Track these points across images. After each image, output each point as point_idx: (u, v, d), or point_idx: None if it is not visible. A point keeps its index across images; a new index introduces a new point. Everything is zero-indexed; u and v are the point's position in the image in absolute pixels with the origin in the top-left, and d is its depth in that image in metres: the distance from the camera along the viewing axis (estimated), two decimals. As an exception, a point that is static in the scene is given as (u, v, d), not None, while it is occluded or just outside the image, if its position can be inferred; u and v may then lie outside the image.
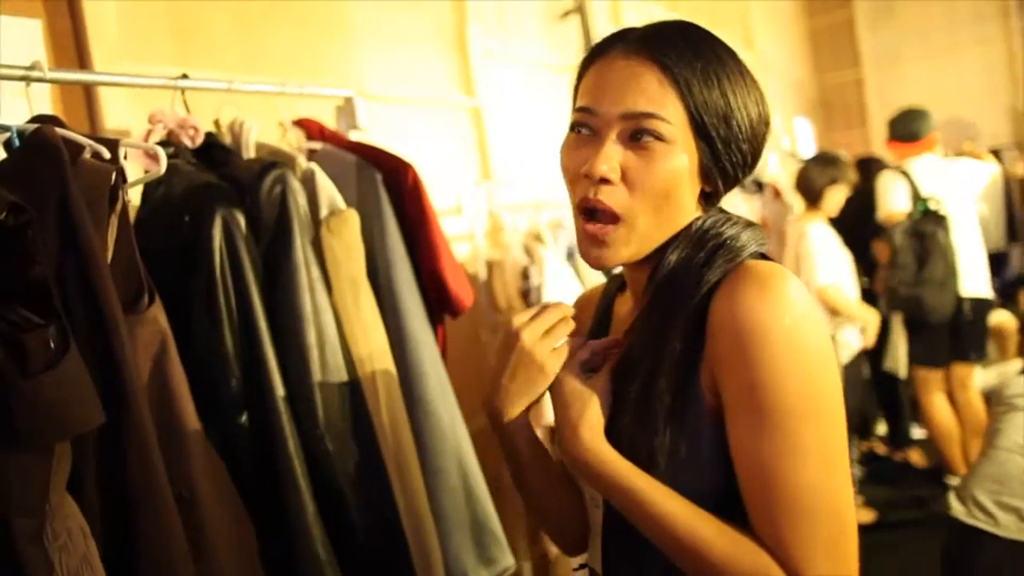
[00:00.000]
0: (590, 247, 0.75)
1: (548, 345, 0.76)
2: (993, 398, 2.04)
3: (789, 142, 4.73)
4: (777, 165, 4.06)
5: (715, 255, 0.72)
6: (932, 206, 3.00)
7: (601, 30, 2.89)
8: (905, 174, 3.08)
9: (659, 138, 0.71)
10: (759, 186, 3.64)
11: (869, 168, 3.66)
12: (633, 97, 0.71)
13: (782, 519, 0.64)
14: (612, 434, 0.72)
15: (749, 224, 0.77)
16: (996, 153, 5.39)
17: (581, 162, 0.73)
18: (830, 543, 0.64)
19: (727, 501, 0.68)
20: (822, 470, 0.64)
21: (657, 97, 0.71)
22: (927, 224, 2.96)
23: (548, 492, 0.86)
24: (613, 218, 0.72)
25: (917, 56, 6.72)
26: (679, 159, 0.72)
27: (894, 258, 2.98)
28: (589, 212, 0.73)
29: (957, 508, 1.69)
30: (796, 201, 3.11)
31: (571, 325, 0.79)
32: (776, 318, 0.65)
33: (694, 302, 0.70)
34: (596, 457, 0.71)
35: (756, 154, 0.77)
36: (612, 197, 0.72)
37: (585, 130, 0.74)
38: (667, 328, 0.71)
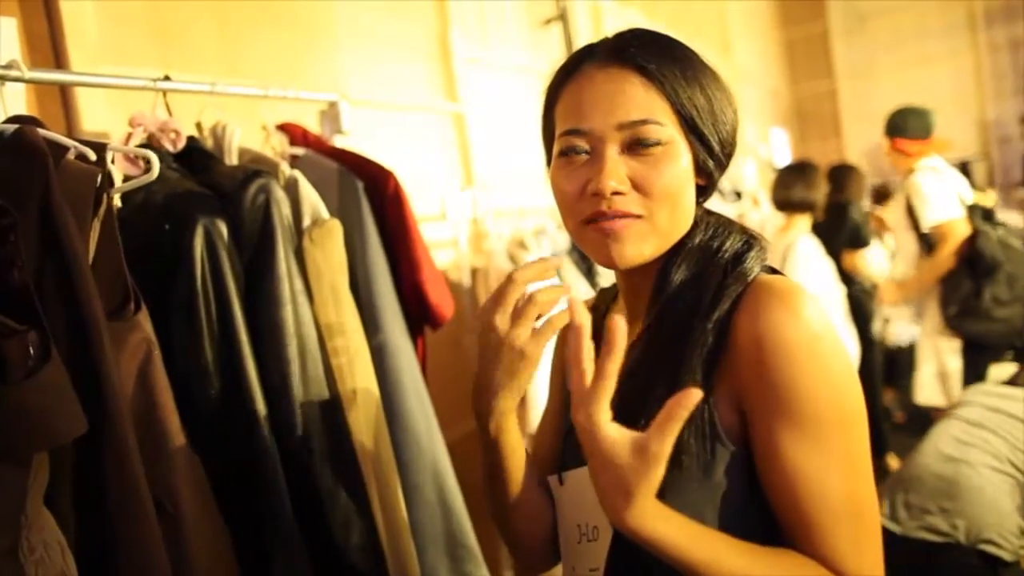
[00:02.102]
0: (610, 244, 0.72)
1: (524, 328, 0.71)
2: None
3: (766, 151, 4.79)
4: (754, 174, 4.10)
5: (727, 275, 0.72)
6: (985, 208, 2.72)
7: (583, 37, 2.90)
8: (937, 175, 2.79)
9: (658, 142, 0.71)
10: (738, 195, 3.68)
11: (842, 177, 3.69)
12: (623, 107, 0.71)
13: (830, 527, 0.65)
14: None
15: (743, 230, 0.78)
16: (964, 165, 5.50)
17: (582, 182, 0.72)
18: (873, 545, 0.66)
19: (736, 514, 0.68)
20: (858, 476, 0.66)
21: (646, 103, 0.71)
22: (997, 231, 2.67)
23: (520, 507, 0.82)
24: (635, 217, 0.72)
25: (889, 67, 6.85)
26: (682, 158, 0.73)
27: (985, 273, 2.60)
28: (598, 218, 0.72)
29: None
30: (774, 210, 3.12)
31: (550, 294, 0.72)
32: (802, 331, 0.66)
33: (712, 321, 0.70)
34: (662, 530, 0.62)
35: (735, 146, 0.78)
36: (628, 205, 0.72)
37: (576, 151, 0.73)
38: (682, 343, 0.71)
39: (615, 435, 0.61)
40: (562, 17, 2.90)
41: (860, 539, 0.66)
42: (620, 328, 0.60)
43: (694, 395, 0.58)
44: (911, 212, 2.83)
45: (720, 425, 0.69)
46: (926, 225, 2.74)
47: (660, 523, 0.62)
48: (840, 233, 3.40)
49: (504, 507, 0.83)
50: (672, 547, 0.62)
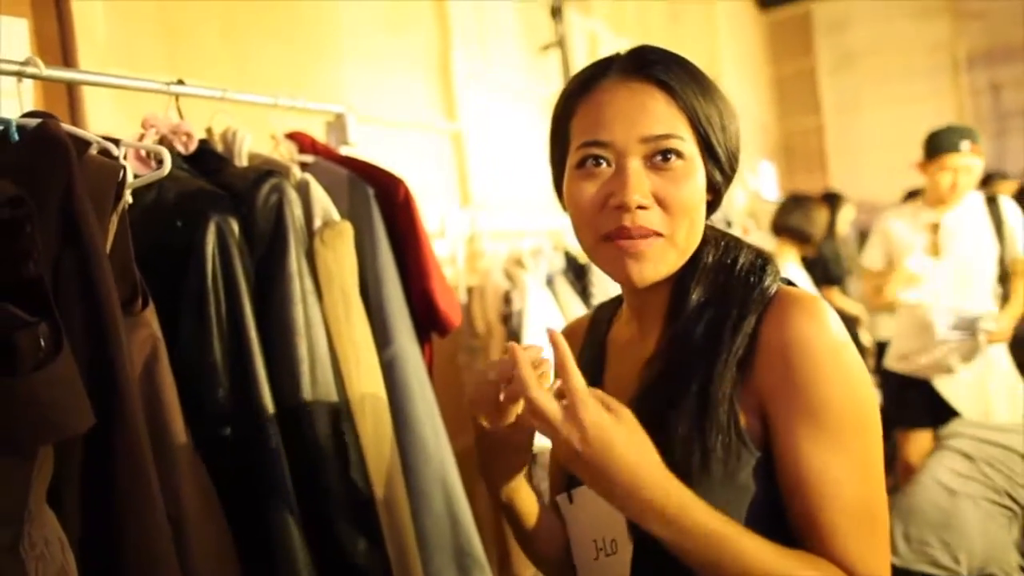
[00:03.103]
0: (630, 264, 0.73)
1: (506, 421, 0.74)
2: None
3: (755, 183, 4.86)
4: (744, 204, 4.16)
5: (750, 288, 0.74)
6: None
7: (579, 63, 2.95)
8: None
9: (679, 155, 0.72)
10: (728, 224, 3.72)
11: (832, 204, 3.75)
12: (647, 120, 0.72)
13: (847, 529, 0.66)
14: (664, 443, 0.69)
15: (750, 246, 0.80)
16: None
17: (604, 194, 0.73)
18: (885, 551, 0.68)
19: (760, 518, 0.68)
20: (874, 481, 0.68)
21: (668, 117, 0.73)
22: None
23: (540, 533, 0.85)
24: (656, 235, 0.73)
25: (874, 105, 7.01)
26: (699, 174, 0.74)
27: None
28: (620, 235, 0.73)
29: None
30: (770, 235, 3.15)
31: (526, 373, 0.65)
32: (827, 339, 0.68)
33: (742, 332, 0.71)
34: (679, 500, 0.64)
35: (739, 162, 0.80)
36: (651, 220, 0.72)
37: (595, 162, 0.73)
38: (712, 353, 0.72)
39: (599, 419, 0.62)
40: (560, 43, 2.95)
41: (875, 543, 0.67)
42: (558, 339, 0.65)
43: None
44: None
45: (747, 432, 0.70)
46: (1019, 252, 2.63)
47: (681, 494, 0.63)
48: (814, 269, 3.42)
49: (524, 537, 0.85)
50: (692, 520, 0.63)
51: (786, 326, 0.69)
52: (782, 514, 0.69)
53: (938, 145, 2.53)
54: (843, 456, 0.67)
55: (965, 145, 2.50)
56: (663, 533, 0.63)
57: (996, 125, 6.71)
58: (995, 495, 1.70)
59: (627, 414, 0.64)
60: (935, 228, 2.64)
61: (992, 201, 2.67)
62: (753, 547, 0.64)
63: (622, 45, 0.81)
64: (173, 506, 0.82)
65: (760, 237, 3.56)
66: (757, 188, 4.84)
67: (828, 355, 0.68)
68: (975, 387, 2.58)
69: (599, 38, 3.45)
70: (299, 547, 0.91)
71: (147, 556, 0.74)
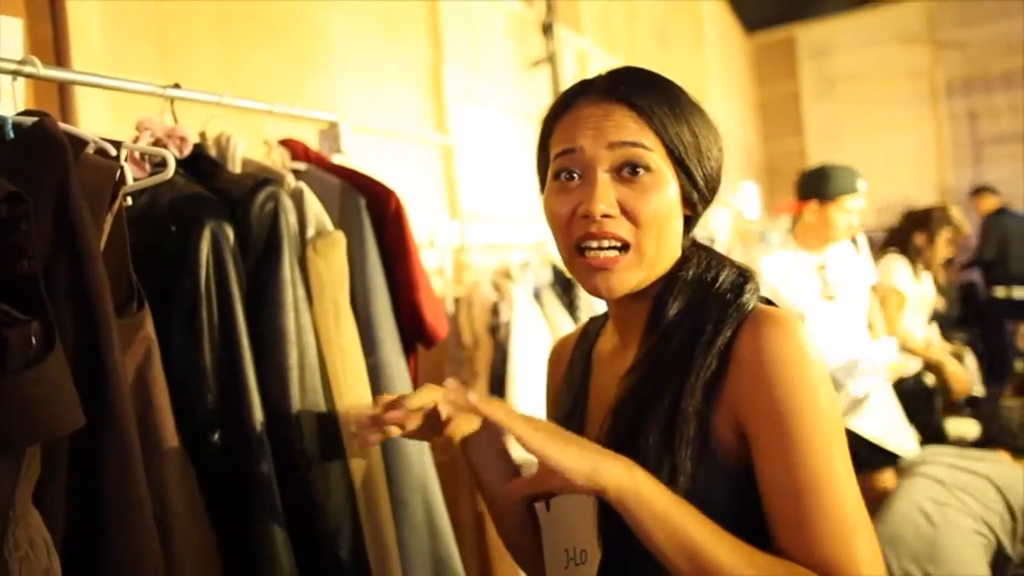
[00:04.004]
0: (598, 275, 0.76)
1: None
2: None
3: (738, 203, 4.92)
4: (727, 224, 4.21)
5: (727, 305, 0.76)
6: None
7: (569, 79, 2.98)
8: None
9: (647, 168, 0.75)
10: (711, 242, 3.76)
11: None
12: (614, 129, 0.75)
13: (829, 538, 0.67)
14: (635, 454, 0.72)
15: (733, 263, 0.82)
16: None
17: (573, 204, 0.76)
18: (871, 554, 0.68)
19: (728, 529, 0.69)
20: (850, 488, 0.69)
21: (635, 131, 0.75)
22: None
23: (524, 538, 0.89)
24: (623, 246, 0.75)
25: (856, 130, 7.14)
26: (669, 187, 0.76)
27: None
28: (589, 246, 0.75)
29: None
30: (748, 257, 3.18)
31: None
32: (798, 355, 0.70)
33: (716, 347, 0.73)
34: (644, 484, 0.67)
35: (720, 182, 0.82)
36: (617, 228, 0.75)
37: (569, 174, 0.76)
38: (685, 367, 0.74)
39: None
40: (550, 59, 2.98)
41: (859, 547, 0.67)
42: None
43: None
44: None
45: (717, 444, 0.72)
46: None
47: (651, 484, 0.67)
48: None
49: (512, 541, 0.90)
50: (662, 512, 0.65)
51: (759, 342, 0.71)
52: (754, 528, 0.70)
53: (836, 186, 2.44)
54: (819, 467, 0.68)
55: (862, 185, 2.45)
56: (631, 492, 0.66)
57: (973, 152, 6.86)
58: (973, 522, 1.72)
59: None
60: (821, 269, 2.51)
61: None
62: (716, 529, 0.67)
63: (611, 63, 0.83)
64: (160, 508, 0.81)
65: (742, 255, 3.60)
66: (740, 207, 4.90)
67: (799, 370, 0.69)
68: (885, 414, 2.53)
69: (588, 55, 3.49)
70: (283, 551, 0.91)
71: (133, 558, 0.73)
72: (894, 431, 2.48)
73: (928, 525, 1.72)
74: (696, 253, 0.82)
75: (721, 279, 0.78)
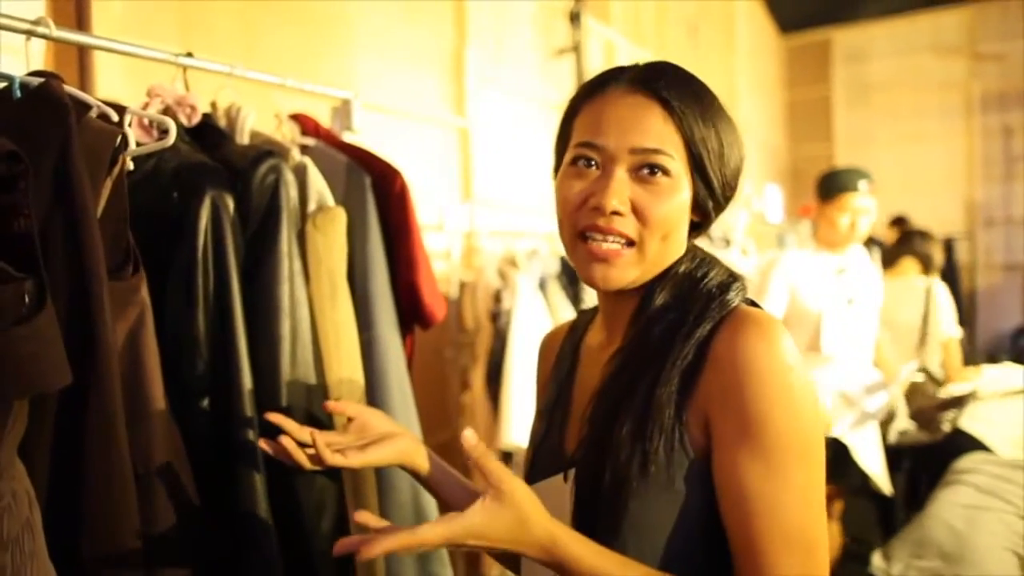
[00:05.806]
0: (597, 266, 0.76)
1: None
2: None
3: (760, 205, 4.87)
4: (746, 225, 4.17)
5: (710, 300, 0.75)
6: None
7: (594, 70, 2.96)
8: None
9: (665, 172, 0.74)
10: (727, 242, 3.73)
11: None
12: (639, 133, 0.74)
13: (778, 555, 0.66)
14: (611, 442, 0.72)
15: (726, 267, 0.82)
16: (948, 241, 5.64)
17: (586, 194, 0.76)
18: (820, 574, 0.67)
19: (697, 522, 0.70)
20: (813, 509, 0.68)
21: (662, 134, 0.74)
22: None
23: None
24: (627, 243, 0.75)
25: (886, 140, 7.03)
26: (683, 193, 0.76)
27: None
28: (594, 236, 0.75)
29: (878, 566, 1.77)
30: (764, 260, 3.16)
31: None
32: (775, 360, 0.69)
33: (693, 339, 0.73)
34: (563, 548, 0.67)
35: (736, 190, 0.81)
36: (625, 226, 0.75)
37: (586, 163, 0.76)
38: (663, 355, 0.74)
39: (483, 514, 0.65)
40: (576, 49, 2.96)
41: (808, 570, 0.66)
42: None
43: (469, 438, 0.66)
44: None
45: (690, 439, 0.71)
46: None
47: (576, 543, 0.67)
48: None
49: None
50: (589, 567, 0.66)
51: (736, 342, 0.70)
52: (719, 522, 0.70)
53: (836, 185, 2.42)
54: (782, 480, 0.67)
55: (863, 185, 2.40)
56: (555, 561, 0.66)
57: (1004, 169, 6.72)
58: (1009, 529, 1.71)
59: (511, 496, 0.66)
60: (841, 272, 2.48)
61: (869, 242, 2.65)
62: (648, 571, 0.67)
63: (638, 55, 0.83)
64: (143, 467, 0.83)
65: (759, 258, 3.57)
66: (762, 210, 4.85)
67: (774, 376, 0.68)
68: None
69: (615, 46, 3.46)
70: (265, 521, 0.92)
71: (111, 513, 0.75)
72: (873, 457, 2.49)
73: (961, 527, 1.73)
74: (691, 253, 0.82)
75: (710, 276, 0.79)
